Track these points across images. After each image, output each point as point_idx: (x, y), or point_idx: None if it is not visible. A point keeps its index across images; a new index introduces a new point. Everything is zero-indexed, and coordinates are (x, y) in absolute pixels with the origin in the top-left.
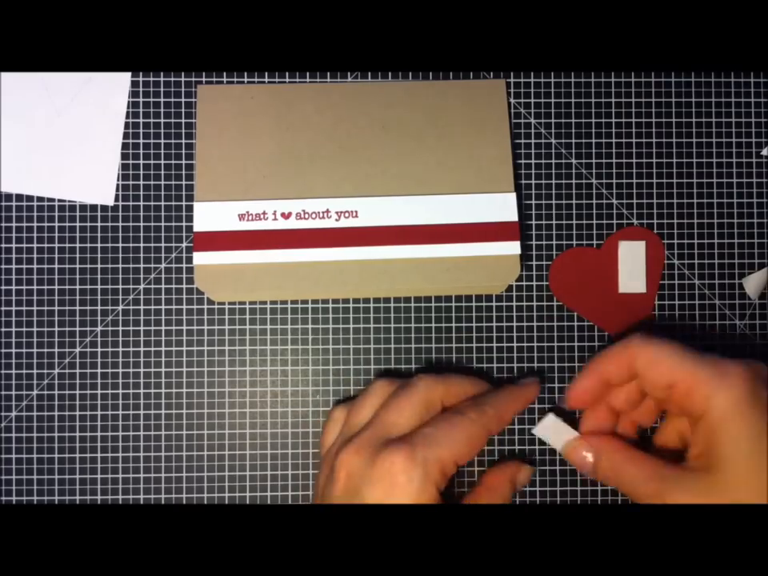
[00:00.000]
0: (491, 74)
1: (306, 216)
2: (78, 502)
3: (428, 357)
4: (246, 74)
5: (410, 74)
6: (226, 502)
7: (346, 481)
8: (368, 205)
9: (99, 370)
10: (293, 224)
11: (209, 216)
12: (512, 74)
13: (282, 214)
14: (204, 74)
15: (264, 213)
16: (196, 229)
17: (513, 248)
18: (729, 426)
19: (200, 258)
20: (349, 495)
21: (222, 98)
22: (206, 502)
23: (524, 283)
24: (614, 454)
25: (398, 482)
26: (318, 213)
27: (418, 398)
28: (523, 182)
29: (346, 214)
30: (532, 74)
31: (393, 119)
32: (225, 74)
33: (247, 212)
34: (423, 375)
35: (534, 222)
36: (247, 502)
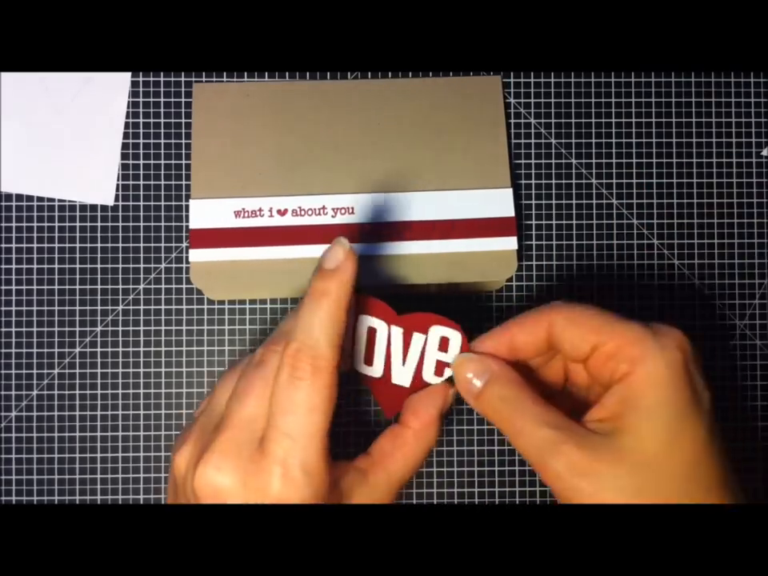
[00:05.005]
0: (491, 72)
1: (302, 213)
2: (77, 502)
3: None
4: (245, 74)
5: (410, 73)
6: None
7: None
8: (364, 201)
9: (99, 370)
10: (289, 221)
11: (205, 213)
12: (512, 73)
13: (278, 211)
14: (204, 74)
15: (260, 210)
16: (192, 226)
17: (510, 243)
18: (653, 392)
19: (196, 255)
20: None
21: (217, 96)
22: None
23: (524, 283)
24: (509, 383)
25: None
26: (315, 209)
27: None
28: (523, 181)
29: (342, 211)
30: (532, 73)
31: (389, 116)
32: (225, 74)
33: (243, 209)
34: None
35: (534, 222)
36: None
